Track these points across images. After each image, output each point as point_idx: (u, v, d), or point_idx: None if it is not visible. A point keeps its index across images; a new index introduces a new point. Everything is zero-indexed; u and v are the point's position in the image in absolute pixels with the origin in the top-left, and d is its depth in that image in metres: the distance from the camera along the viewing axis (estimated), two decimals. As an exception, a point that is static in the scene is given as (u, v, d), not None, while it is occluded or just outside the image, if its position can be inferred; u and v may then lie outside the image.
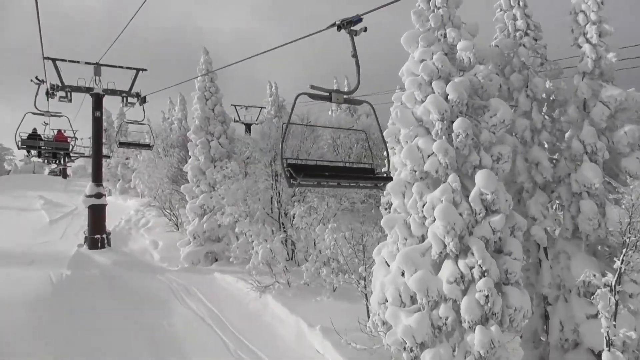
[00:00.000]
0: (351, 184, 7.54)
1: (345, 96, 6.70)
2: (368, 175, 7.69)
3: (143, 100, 22.43)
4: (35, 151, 23.82)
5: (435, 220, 10.25)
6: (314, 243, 21.40)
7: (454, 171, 10.57)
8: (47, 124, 23.38)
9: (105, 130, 26.66)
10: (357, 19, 6.16)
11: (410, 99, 11.42)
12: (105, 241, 21.38)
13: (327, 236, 18.88)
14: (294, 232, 21.74)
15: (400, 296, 10.56)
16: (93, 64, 21.56)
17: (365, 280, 14.51)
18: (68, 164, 67.37)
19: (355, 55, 6.50)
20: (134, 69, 22.56)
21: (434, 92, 11.01)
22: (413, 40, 11.60)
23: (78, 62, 21.11)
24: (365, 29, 6.29)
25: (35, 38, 20.49)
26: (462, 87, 10.68)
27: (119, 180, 53.96)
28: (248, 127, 41.84)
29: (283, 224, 22.95)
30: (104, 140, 29.47)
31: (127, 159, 45.63)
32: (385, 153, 8.21)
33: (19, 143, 20.08)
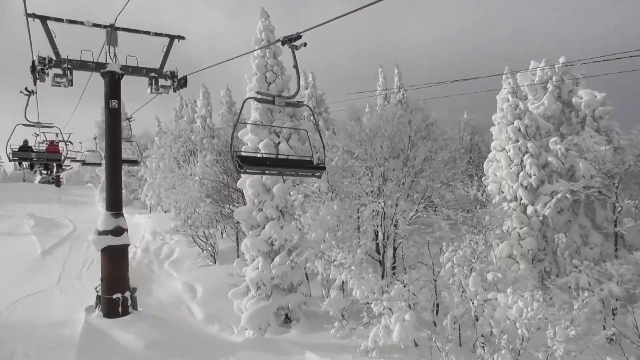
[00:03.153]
0: (290, 172, 8.00)
1: (287, 100, 7.07)
2: (305, 165, 8.12)
3: (181, 84, 14.81)
4: (26, 163, 19.44)
5: None
6: (434, 291, 14.01)
7: None
8: (37, 134, 18.31)
9: (128, 119, 18.38)
10: (297, 36, 6.59)
11: None
12: (129, 302, 13.71)
13: (502, 298, 11.42)
14: (408, 280, 14.28)
15: None
16: (105, 26, 13.97)
17: None
18: (64, 167, 59.41)
19: (296, 67, 7.05)
20: (167, 35, 14.95)
21: None
22: None
23: (82, 22, 13.51)
24: (305, 44, 6.68)
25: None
26: None
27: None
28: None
29: (384, 267, 15.46)
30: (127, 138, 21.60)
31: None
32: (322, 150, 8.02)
33: (10, 155, 16.02)
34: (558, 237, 20.71)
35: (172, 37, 14.90)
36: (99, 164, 26.07)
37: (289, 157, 10.02)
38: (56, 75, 13.14)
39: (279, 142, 16.31)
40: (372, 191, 14.39)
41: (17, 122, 16.08)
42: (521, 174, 21.09)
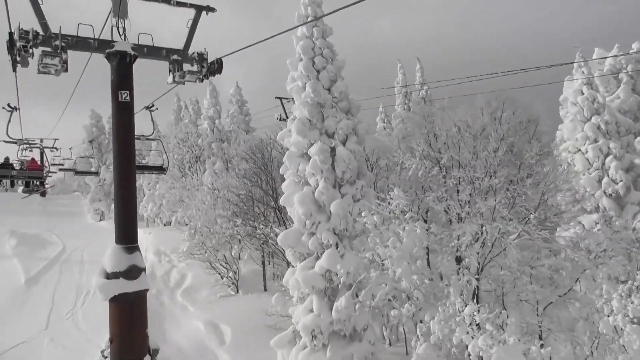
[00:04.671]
0: None
1: None
2: None
3: (213, 70, 11.17)
4: (7, 180, 19.19)
5: None
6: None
7: None
8: (23, 143, 17.34)
9: (149, 108, 13.37)
10: None
11: None
12: (150, 370, 10.07)
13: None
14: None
15: None
16: (110, -9, 10.34)
17: None
18: (49, 174, 54.93)
19: None
20: (193, 6, 11.31)
21: None
22: None
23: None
24: None
25: None
26: None
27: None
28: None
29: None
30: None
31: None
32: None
33: None
34: (632, 251, 17.58)
35: (199, 8, 11.02)
36: (95, 173, 22.34)
37: None
38: (45, 55, 9.28)
39: (334, 146, 12.73)
40: (469, 209, 10.87)
41: None
42: (604, 180, 17.80)
